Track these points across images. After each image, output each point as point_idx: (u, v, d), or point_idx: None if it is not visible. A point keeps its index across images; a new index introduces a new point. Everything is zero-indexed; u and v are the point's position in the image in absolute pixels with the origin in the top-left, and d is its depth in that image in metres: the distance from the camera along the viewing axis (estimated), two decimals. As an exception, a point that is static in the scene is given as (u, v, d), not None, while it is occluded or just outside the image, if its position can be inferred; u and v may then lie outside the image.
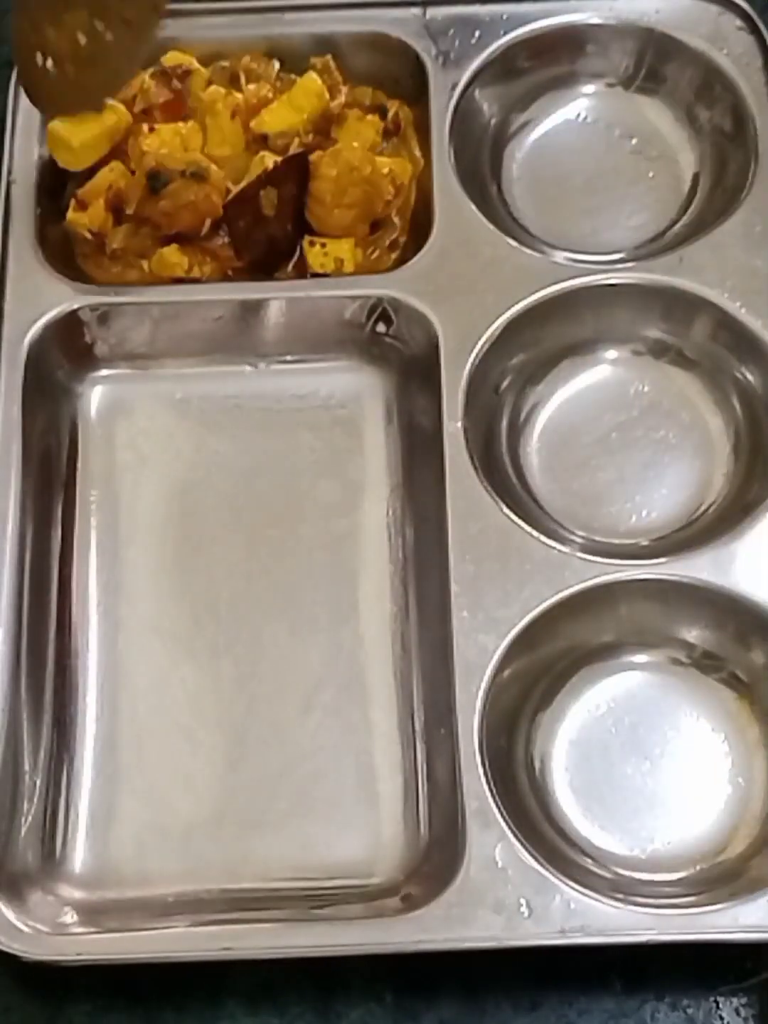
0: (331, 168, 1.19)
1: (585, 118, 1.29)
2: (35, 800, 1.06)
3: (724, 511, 1.14)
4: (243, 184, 1.19)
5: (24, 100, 1.25)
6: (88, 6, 1.15)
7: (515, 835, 1.00)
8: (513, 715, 1.07)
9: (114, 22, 1.15)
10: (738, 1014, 1.00)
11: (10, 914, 1.00)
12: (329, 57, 1.26)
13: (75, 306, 1.18)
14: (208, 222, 1.19)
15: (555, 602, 1.07)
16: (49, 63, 1.17)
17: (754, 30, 1.26)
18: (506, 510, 1.10)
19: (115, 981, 1.01)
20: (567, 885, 0.98)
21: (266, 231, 1.20)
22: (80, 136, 1.20)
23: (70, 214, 1.21)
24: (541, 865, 0.99)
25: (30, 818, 1.05)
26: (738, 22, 1.26)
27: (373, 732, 1.09)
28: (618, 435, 1.18)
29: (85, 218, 1.20)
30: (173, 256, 1.20)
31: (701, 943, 0.98)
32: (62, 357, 1.20)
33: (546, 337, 1.19)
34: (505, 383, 1.19)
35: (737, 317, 1.16)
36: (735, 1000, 1.00)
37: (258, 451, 1.19)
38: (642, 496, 1.15)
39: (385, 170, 1.20)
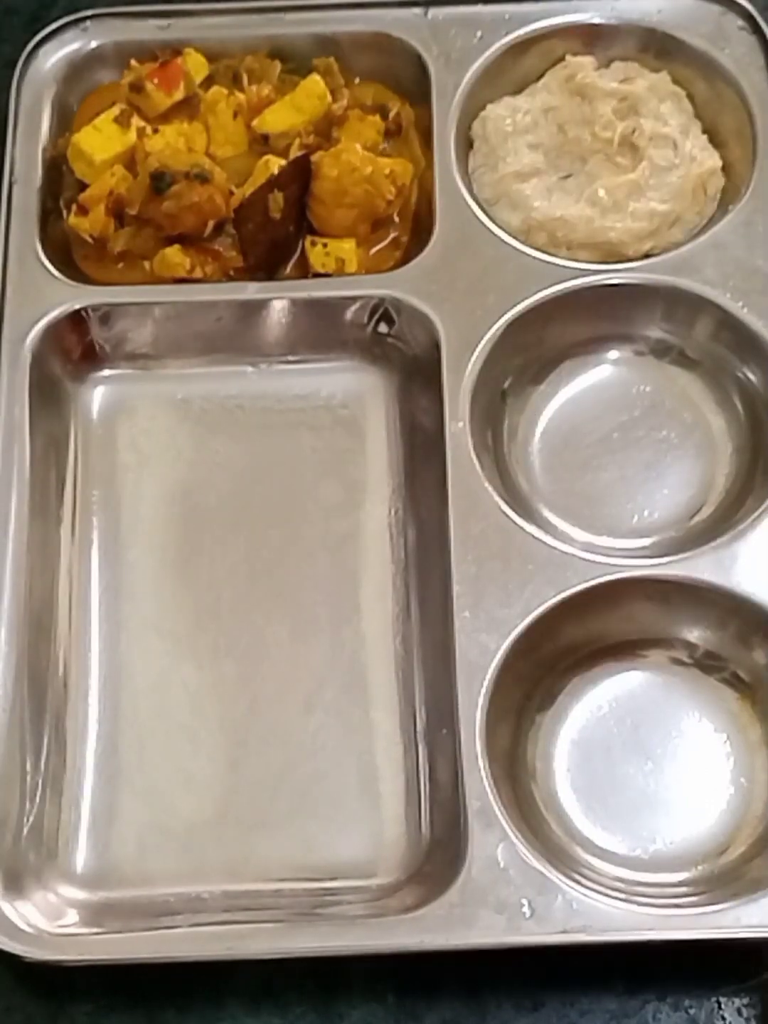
0: (332, 168, 1.19)
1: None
2: (37, 800, 1.06)
3: (726, 511, 1.14)
4: (251, 189, 1.19)
5: (26, 100, 1.26)
6: None
7: (517, 835, 0.99)
8: (515, 715, 1.07)
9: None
10: (740, 1014, 1.00)
11: (12, 914, 1.00)
12: (332, 59, 1.26)
13: (77, 306, 1.19)
14: (211, 223, 1.19)
15: (557, 602, 1.07)
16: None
17: (756, 30, 1.26)
18: (508, 510, 1.10)
19: (117, 981, 1.01)
20: (569, 885, 0.98)
21: (272, 233, 1.20)
22: (103, 154, 1.21)
23: (71, 219, 1.21)
24: (543, 865, 0.99)
25: (32, 818, 1.05)
26: (740, 22, 1.26)
27: (375, 732, 1.09)
28: (620, 435, 1.17)
29: (86, 223, 1.20)
30: (175, 257, 1.20)
31: (703, 943, 0.98)
32: (64, 357, 1.20)
33: (548, 337, 1.19)
34: (507, 383, 1.19)
35: (739, 317, 1.16)
36: (737, 1000, 1.00)
37: (260, 451, 1.19)
38: (644, 496, 1.15)
39: (386, 170, 1.20)
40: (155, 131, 1.23)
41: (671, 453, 1.15)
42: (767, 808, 1.05)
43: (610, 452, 1.17)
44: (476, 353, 1.15)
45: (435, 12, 1.28)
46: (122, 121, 1.23)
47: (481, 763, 1.02)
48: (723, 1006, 1.00)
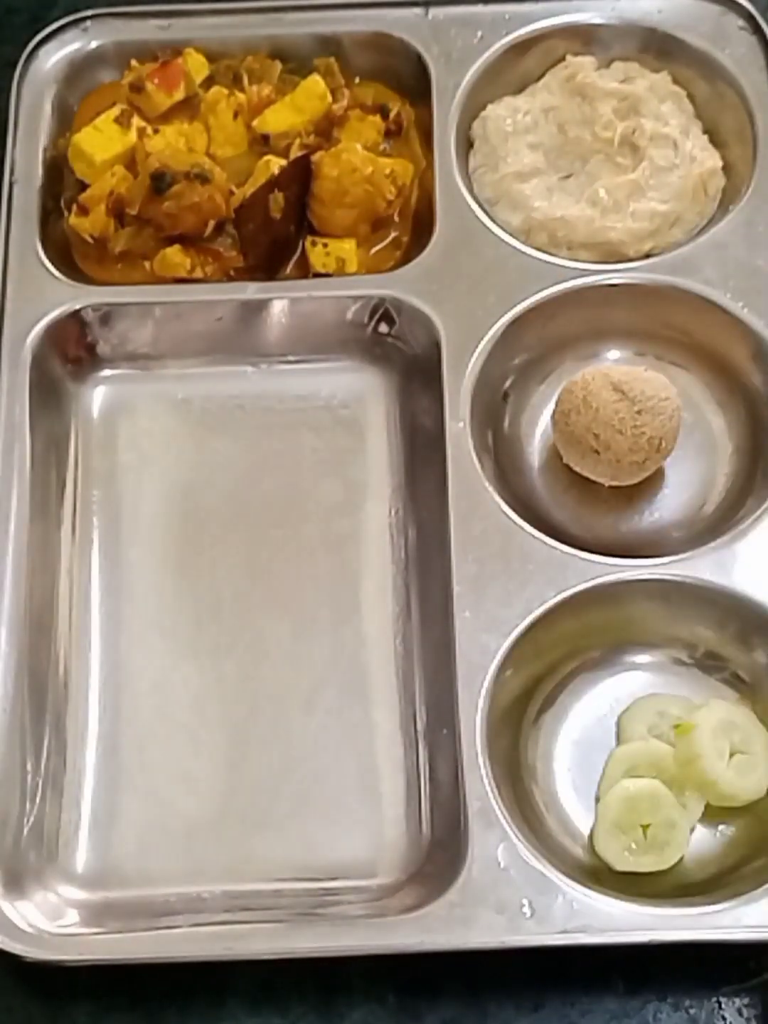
0: (333, 168, 1.19)
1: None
2: (37, 800, 1.06)
3: (726, 511, 1.14)
4: (251, 189, 1.19)
5: (26, 100, 1.26)
6: None
7: (517, 835, 0.99)
8: (515, 715, 1.07)
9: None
10: (740, 1014, 1.00)
11: (12, 914, 1.00)
12: (332, 59, 1.27)
13: (77, 306, 1.19)
14: (211, 223, 1.20)
15: (557, 602, 1.06)
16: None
17: (756, 30, 1.26)
18: (508, 510, 1.10)
19: (117, 981, 1.01)
20: (569, 885, 0.98)
21: (272, 233, 1.20)
22: (103, 154, 1.21)
23: (72, 219, 1.21)
24: (543, 865, 0.99)
25: (32, 818, 1.05)
26: (740, 22, 1.26)
27: (375, 732, 1.09)
28: (621, 435, 1.17)
29: (87, 223, 1.20)
30: (176, 257, 1.20)
31: (703, 943, 0.98)
32: (64, 357, 1.20)
33: (548, 337, 1.19)
34: (507, 383, 1.19)
35: (739, 317, 1.16)
36: (737, 1000, 1.00)
37: (260, 451, 1.19)
38: (644, 496, 1.15)
39: (387, 170, 1.20)
40: (155, 131, 1.23)
41: (671, 453, 1.15)
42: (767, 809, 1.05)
43: (611, 451, 1.17)
44: (476, 353, 1.15)
45: (435, 12, 1.28)
46: (122, 121, 1.23)
47: (481, 763, 1.02)
48: (723, 1006, 1.00)
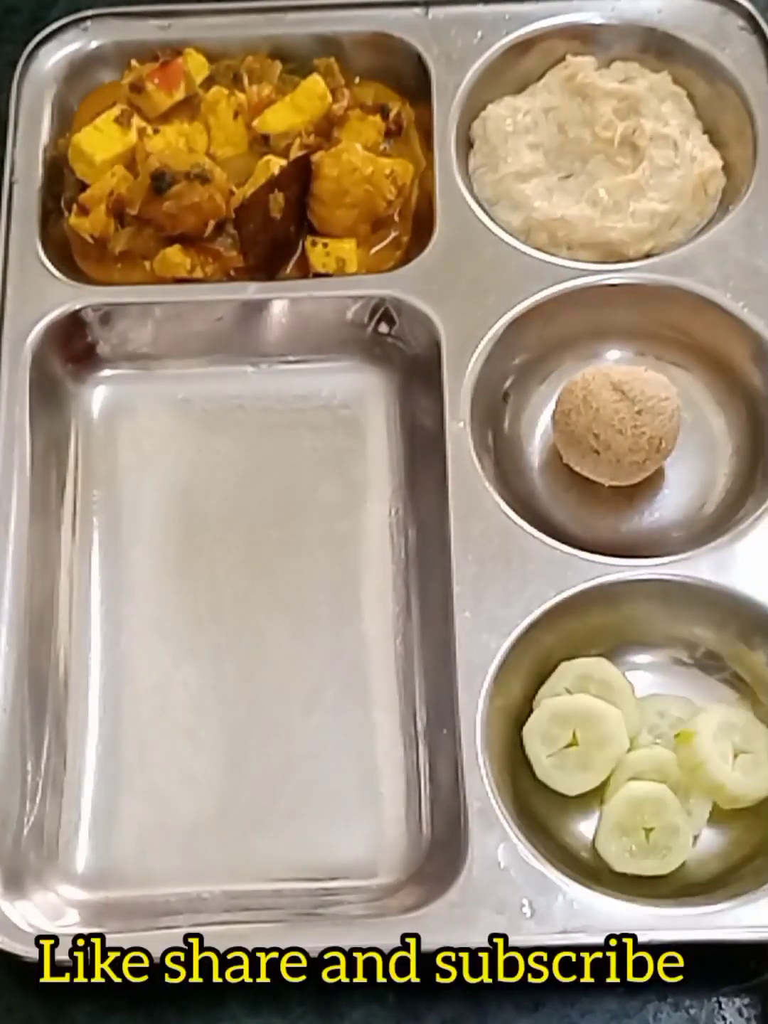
0: (333, 168, 1.19)
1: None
2: (37, 800, 1.06)
3: (726, 511, 1.14)
4: (252, 189, 1.19)
5: (26, 100, 1.26)
6: None
7: (517, 835, 0.99)
8: (515, 715, 1.07)
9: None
10: (740, 1014, 1.00)
11: (12, 914, 1.00)
12: (332, 59, 1.27)
13: (77, 306, 1.19)
14: (211, 223, 1.20)
15: (557, 602, 1.07)
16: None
17: (756, 30, 1.26)
18: (508, 510, 1.10)
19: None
20: (569, 885, 0.98)
21: (272, 233, 1.20)
22: (103, 154, 1.21)
23: (72, 219, 1.21)
24: (543, 865, 0.99)
25: (32, 818, 1.05)
26: (740, 22, 1.27)
27: (375, 732, 1.09)
28: (621, 435, 1.17)
29: (87, 223, 1.20)
30: (176, 256, 1.20)
31: (703, 943, 0.98)
32: (64, 357, 1.20)
33: (548, 337, 1.19)
34: (507, 383, 1.19)
35: (739, 317, 1.16)
36: (737, 1000, 1.00)
37: (260, 451, 1.19)
38: (644, 496, 1.15)
39: (387, 170, 1.20)
40: (155, 131, 1.23)
41: (671, 453, 1.15)
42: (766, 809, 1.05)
43: (611, 451, 1.17)
44: (476, 353, 1.15)
45: (435, 12, 1.28)
46: (122, 121, 1.23)
47: (481, 763, 1.02)
48: (723, 1006, 1.00)
